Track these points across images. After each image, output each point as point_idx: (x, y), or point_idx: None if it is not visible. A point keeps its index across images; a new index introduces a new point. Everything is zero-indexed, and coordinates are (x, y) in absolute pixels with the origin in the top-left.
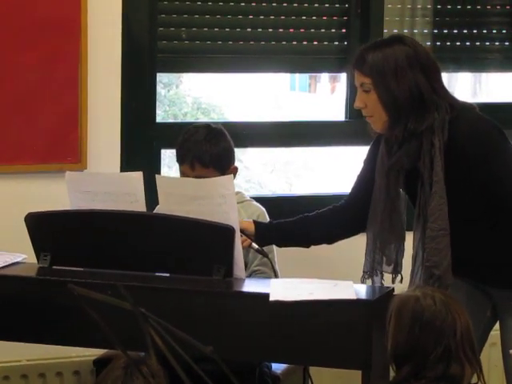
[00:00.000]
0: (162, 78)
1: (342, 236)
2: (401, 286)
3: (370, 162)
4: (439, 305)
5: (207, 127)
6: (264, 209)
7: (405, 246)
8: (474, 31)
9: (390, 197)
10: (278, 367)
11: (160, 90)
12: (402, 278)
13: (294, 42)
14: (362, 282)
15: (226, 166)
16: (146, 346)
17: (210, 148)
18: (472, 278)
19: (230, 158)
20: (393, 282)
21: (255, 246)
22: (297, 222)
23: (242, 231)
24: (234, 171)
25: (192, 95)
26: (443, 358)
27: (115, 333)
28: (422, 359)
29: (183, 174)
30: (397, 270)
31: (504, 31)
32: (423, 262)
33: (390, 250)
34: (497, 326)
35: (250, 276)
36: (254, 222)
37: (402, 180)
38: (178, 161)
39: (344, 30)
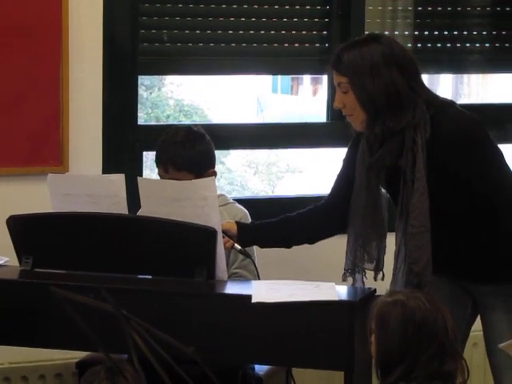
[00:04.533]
0: (144, 80)
1: (323, 235)
2: (383, 283)
3: (350, 160)
4: (427, 303)
5: (187, 129)
6: (246, 211)
7: (386, 243)
8: (455, 33)
9: (371, 194)
10: (260, 368)
11: (142, 92)
12: (383, 276)
13: (276, 44)
14: (344, 279)
15: (202, 170)
16: (129, 348)
17: (185, 151)
18: (453, 274)
19: (208, 162)
20: (375, 279)
21: (238, 246)
22: (278, 223)
23: (225, 232)
24: (212, 176)
25: (174, 97)
26: (437, 355)
27: (98, 335)
28: (415, 360)
29: (159, 175)
30: (379, 267)
31: (484, 32)
32: (405, 258)
33: (371, 248)
34: (478, 326)
35: (228, 278)
36: (236, 222)
37: (383, 177)
38: (155, 163)
39: (325, 32)
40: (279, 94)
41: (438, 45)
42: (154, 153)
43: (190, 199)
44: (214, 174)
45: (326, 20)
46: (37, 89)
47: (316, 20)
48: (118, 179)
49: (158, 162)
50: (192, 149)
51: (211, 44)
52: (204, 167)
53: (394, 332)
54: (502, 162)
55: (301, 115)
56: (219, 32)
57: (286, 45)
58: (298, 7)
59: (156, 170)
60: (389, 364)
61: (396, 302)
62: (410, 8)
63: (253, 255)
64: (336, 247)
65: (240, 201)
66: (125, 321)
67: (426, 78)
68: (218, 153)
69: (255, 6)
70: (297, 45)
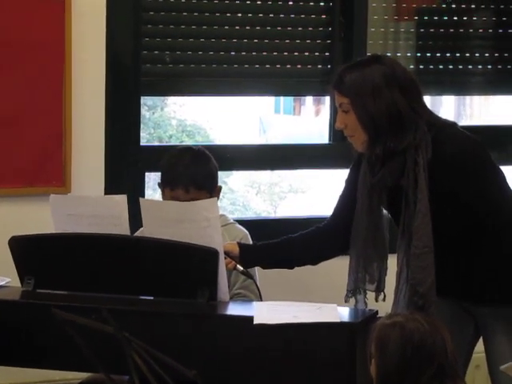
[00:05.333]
0: (147, 100)
1: (326, 256)
2: (385, 304)
3: (352, 181)
4: (426, 325)
5: (191, 150)
6: (247, 231)
7: (388, 264)
8: (457, 54)
9: (372, 215)
10: None
11: (144, 112)
12: (384, 296)
13: (278, 66)
14: (346, 300)
15: (213, 186)
16: (130, 369)
17: (203, 170)
18: (454, 295)
19: (217, 178)
20: (376, 300)
21: (240, 267)
22: (281, 244)
23: (227, 253)
24: (219, 190)
25: (177, 117)
26: (436, 376)
27: (99, 356)
28: (414, 382)
29: (174, 198)
30: (380, 288)
31: (487, 54)
32: (408, 279)
33: (372, 268)
34: (480, 347)
35: (230, 299)
36: (239, 243)
37: (384, 198)
38: (166, 186)
39: (327, 54)
40: (282, 115)
41: (440, 66)
42: (157, 173)
43: (193, 220)
44: (221, 188)
45: (329, 42)
46: (39, 109)
47: (318, 42)
48: (121, 200)
49: (176, 184)
50: (207, 166)
51: (213, 65)
52: (215, 183)
53: (393, 354)
54: (503, 184)
55: (303, 135)
56: (222, 53)
57: (289, 66)
58: (300, 29)
59: (158, 191)
60: None
61: (395, 324)
62: (412, 30)
63: (254, 276)
64: (339, 268)
65: (242, 222)
66: (126, 343)
67: (428, 100)
68: (220, 173)
69: (258, 28)
70: (299, 66)
